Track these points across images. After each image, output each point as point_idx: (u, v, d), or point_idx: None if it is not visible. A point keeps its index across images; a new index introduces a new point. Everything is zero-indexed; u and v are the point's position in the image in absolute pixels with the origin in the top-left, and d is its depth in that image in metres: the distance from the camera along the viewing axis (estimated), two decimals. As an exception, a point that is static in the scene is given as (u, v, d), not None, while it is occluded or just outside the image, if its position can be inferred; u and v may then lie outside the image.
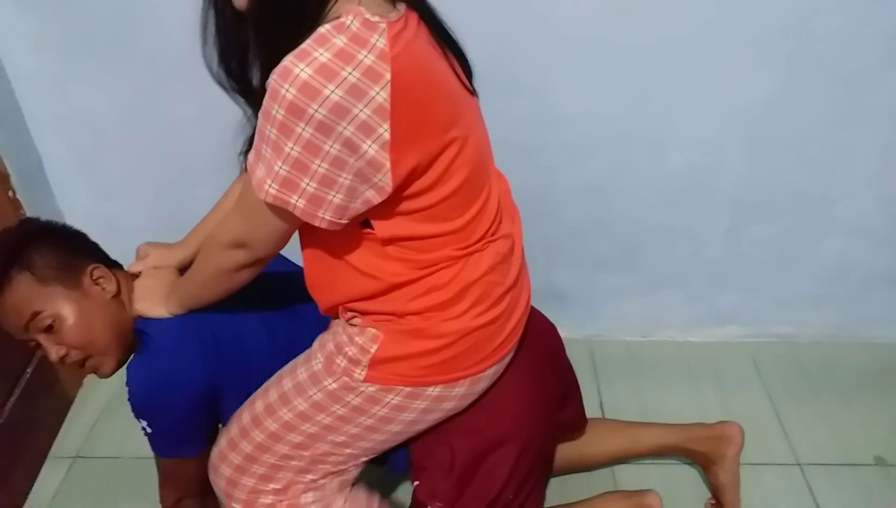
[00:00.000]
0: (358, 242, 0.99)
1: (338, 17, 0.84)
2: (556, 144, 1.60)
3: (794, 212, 1.69)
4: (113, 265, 1.23)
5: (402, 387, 1.04)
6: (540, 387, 1.21)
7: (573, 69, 1.50)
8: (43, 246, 1.14)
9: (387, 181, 0.90)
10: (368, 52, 0.83)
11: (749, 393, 1.75)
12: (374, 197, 0.91)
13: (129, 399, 1.10)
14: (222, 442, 1.14)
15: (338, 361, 1.05)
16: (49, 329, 1.12)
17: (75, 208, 1.70)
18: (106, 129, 1.62)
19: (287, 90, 0.82)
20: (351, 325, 1.07)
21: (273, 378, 1.13)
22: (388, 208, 0.94)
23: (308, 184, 0.87)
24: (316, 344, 1.12)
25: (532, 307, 1.20)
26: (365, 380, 1.04)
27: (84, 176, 1.68)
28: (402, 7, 0.92)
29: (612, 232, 1.74)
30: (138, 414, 1.11)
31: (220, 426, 1.22)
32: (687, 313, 1.87)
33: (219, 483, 1.15)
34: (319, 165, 0.86)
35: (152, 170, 1.68)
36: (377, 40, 0.84)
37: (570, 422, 1.40)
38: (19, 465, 1.58)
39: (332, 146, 0.85)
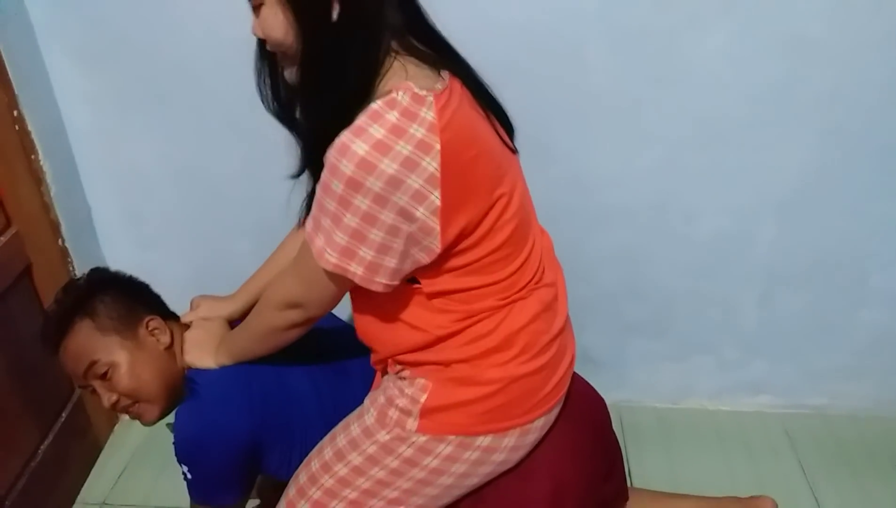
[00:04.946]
0: (405, 297, 1.03)
1: (388, 92, 0.89)
2: (589, 208, 1.62)
3: (828, 282, 1.68)
4: (170, 317, 1.27)
5: (452, 437, 1.05)
6: (585, 459, 1.20)
7: (607, 135, 1.53)
8: (107, 296, 1.20)
9: (436, 244, 0.94)
10: (419, 126, 0.88)
11: (782, 466, 1.71)
12: (423, 258, 0.96)
13: (174, 444, 1.12)
14: (281, 504, 1.15)
15: (390, 413, 1.06)
16: (104, 376, 1.17)
17: (119, 258, 1.74)
18: (152, 183, 1.68)
19: (345, 166, 0.87)
20: (400, 378, 1.09)
21: (328, 437, 1.14)
22: (435, 265, 0.98)
23: (366, 252, 0.92)
24: (367, 400, 1.13)
25: (581, 379, 1.20)
26: (417, 430, 1.05)
27: (129, 227, 1.74)
28: (446, 75, 0.96)
29: (643, 297, 1.74)
30: (181, 459, 1.13)
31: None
32: (718, 381, 1.85)
33: None
34: (376, 234, 0.91)
35: (195, 223, 1.73)
36: (426, 113, 0.89)
37: (613, 496, 1.37)
38: (48, 509, 1.59)
39: (387, 215, 0.90)
